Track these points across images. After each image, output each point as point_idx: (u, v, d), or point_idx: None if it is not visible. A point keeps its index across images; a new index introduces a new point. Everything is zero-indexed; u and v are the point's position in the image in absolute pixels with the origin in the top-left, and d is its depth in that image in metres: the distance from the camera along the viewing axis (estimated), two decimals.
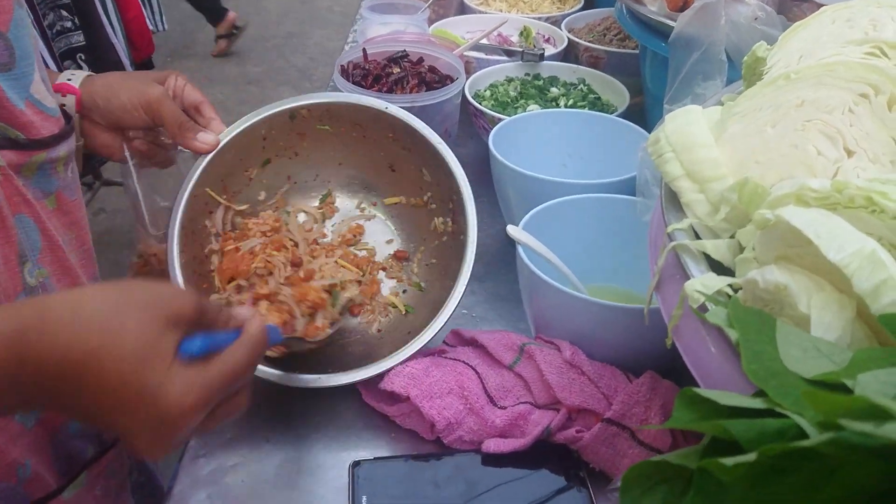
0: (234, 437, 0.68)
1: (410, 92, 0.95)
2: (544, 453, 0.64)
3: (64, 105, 0.75)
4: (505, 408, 0.65)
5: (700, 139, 0.48)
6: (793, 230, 0.37)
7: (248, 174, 0.82)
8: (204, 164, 0.76)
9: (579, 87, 1.14)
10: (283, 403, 0.71)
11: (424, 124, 0.80)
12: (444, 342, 0.75)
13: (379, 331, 0.79)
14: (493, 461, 0.64)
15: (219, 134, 0.77)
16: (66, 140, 0.69)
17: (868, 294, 0.34)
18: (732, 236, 0.47)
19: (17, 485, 0.65)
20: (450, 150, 0.79)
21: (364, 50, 1.01)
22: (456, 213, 0.79)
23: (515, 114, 1.07)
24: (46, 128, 0.65)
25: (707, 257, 0.45)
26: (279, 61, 3.96)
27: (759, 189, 0.44)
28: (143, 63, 2.33)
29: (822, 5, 0.70)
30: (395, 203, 0.86)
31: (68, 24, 1.75)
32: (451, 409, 0.65)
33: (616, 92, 1.11)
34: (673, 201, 0.49)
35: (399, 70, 0.99)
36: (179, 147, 0.77)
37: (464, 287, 0.72)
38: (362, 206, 0.87)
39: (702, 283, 0.42)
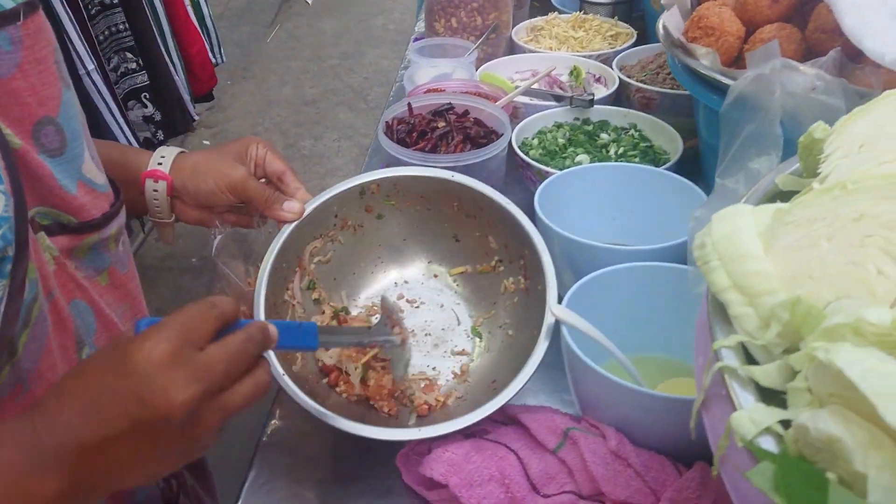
0: None
1: (455, 149, 0.94)
2: None
3: (155, 191, 0.79)
4: (548, 496, 0.63)
5: (749, 249, 0.45)
6: (839, 373, 0.34)
7: (314, 252, 0.84)
8: (285, 235, 0.77)
9: (630, 133, 1.11)
10: (321, 483, 0.70)
11: (491, 188, 0.81)
12: (488, 417, 0.73)
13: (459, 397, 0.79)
14: None
15: (304, 202, 0.79)
16: (117, 217, 0.70)
17: None
18: (786, 350, 0.44)
19: None
20: (519, 210, 0.80)
21: (409, 104, 1.01)
22: (528, 269, 0.80)
23: (564, 163, 1.05)
24: (98, 206, 0.66)
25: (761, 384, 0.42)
26: (335, 82, 4.01)
27: (812, 310, 0.41)
28: (205, 95, 2.40)
29: (882, 67, 0.67)
30: (461, 273, 0.87)
31: (132, 66, 1.82)
32: (492, 499, 0.63)
33: (669, 138, 1.07)
34: (720, 311, 0.47)
35: (444, 124, 0.98)
36: (259, 223, 0.81)
37: (546, 343, 0.71)
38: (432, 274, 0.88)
39: (750, 417, 0.39)
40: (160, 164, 0.79)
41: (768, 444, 0.38)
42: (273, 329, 0.57)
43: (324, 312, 0.82)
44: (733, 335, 0.45)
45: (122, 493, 0.69)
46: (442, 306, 0.85)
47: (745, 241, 0.45)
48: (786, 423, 0.39)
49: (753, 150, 0.64)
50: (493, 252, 0.84)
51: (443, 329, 0.83)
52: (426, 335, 0.83)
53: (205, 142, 3.51)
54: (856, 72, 0.69)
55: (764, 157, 0.64)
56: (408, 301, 0.86)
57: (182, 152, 0.81)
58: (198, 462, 0.87)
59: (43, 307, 0.58)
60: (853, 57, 0.72)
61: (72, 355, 0.62)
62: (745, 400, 0.41)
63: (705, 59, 0.85)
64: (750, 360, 0.45)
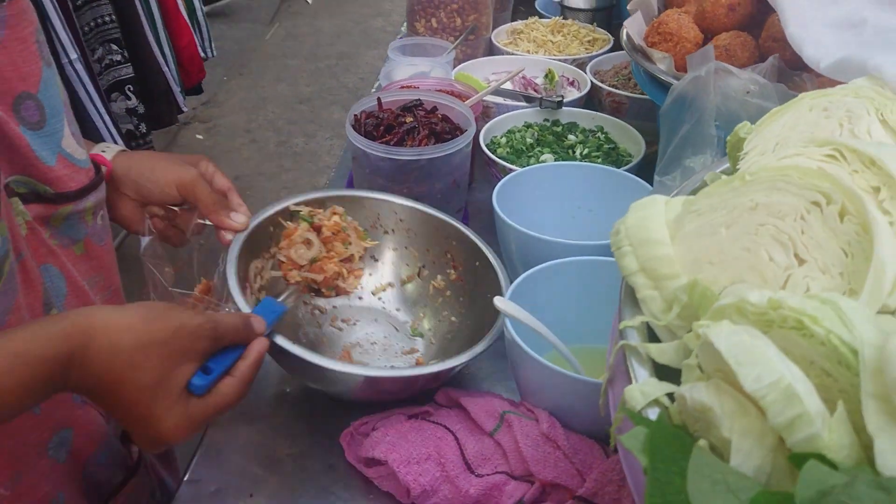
0: (218, 489, 0.70)
1: (420, 144, 0.96)
2: None
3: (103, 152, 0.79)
4: (482, 476, 0.66)
5: (657, 235, 0.48)
6: (717, 352, 0.36)
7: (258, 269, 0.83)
8: (238, 248, 0.76)
9: (597, 135, 1.13)
10: (269, 459, 0.72)
11: (409, 199, 0.87)
12: (433, 400, 0.75)
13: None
14: None
15: (248, 218, 0.79)
16: (95, 191, 0.73)
17: (782, 428, 0.34)
18: (689, 332, 0.47)
19: None
20: (437, 210, 0.84)
21: (379, 99, 1.03)
22: (455, 259, 0.84)
23: (529, 162, 1.07)
24: (77, 180, 0.70)
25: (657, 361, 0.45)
26: (331, 81, 4.04)
27: (707, 292, 0.43)
28: (194, 88, 2.42)
29: (821, 76, 0.69)
30: (385, 289, 0.90)
31: (117, 58, 1.83)
32: (428, 476, 0.65)
33: (633, 140, 1.10)
34: (630, 296, 0.49)
35: (412, 119, 1.00)
36: (194, 231, 0.80)
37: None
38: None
39: (640, 389, 0.42)
40: (103, 151, 0.80)
41: (654, 414, 0.41)
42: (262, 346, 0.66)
43: None
44: (638, 316, 0.47)
45: (84, 455, 0.72)
46: (376, 320, 0.88)
47: (653, 228, 0.48)
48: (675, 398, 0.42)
49: (690, 149, 0.67)
50: (415, 259, 0.89)
51: (385, 336, 0.87)
52: (372, 344, 0.86)
53: (198, 136, 3.54)
54: (794, 78, 0.72)
55: (699, 156, 0.66)
56: (342, 321, 0.88)
57: (124, 150, 0.82)
58: None
59: (12, 265, 0.61)
60: (795, 65, 0.75)
61: (39, 315, 0.66)
62: (641, 375, 0.44)
63: (661, 64, 0.88)
64: (657, 341, 0.47)
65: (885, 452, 0.32)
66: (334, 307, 0.89)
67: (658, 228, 0.48)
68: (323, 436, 0.74)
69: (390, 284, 0.90)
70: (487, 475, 0.65)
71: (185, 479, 0.71)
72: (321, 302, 0.88)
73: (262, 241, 0.82)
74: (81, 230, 0.72)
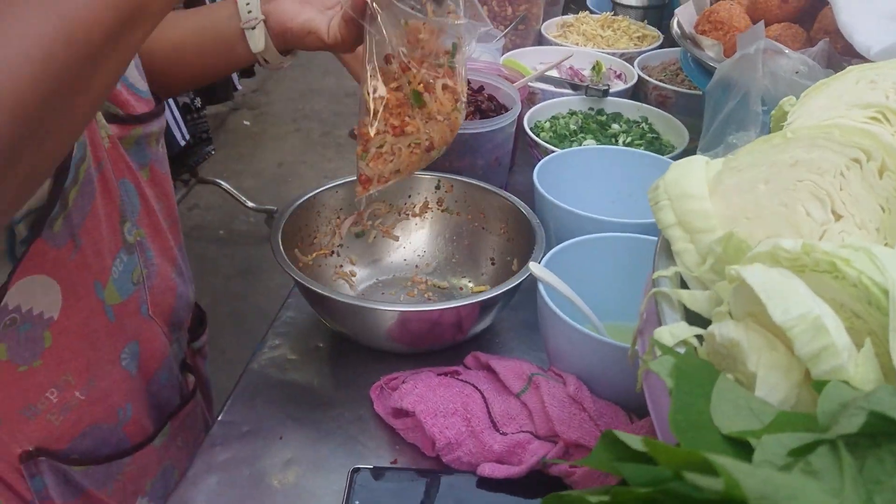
0: (250, 430, 0.72)
1: (465, 119, 0.98)
2: (538, 484, 0.65)
3: None
4: (506, 434, 0.67)
5: (695, 190, 0.48)
6: (749, 288, 0.37)
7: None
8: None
9: (641, 126, 1.14)
10: (300, 405, 0.75)
11: (528, 207, 0.89)
12: (462, 364, 0.77)
13: None
14: (487, 485, 0.65)
15: None
16: (158, 118, 0.78)
17: (808, 359, 0.34)
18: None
19: (116, 425, 0.73)
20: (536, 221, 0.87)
21: None
22: (531, 247, 0.85)
23: (571, 147, 1.08)
24: (140, 107, 0.74)
25: (688, 308, 0.46)
26: None
27: (742, 244, 0.44)
28: (246, 70, 2.48)
29: (869, 61, 0.69)
30: (482, 290, 0.92)
31: None
32: (453, 430, 0.67)
33: (677, 132, 1.10)
34: (666, 249, 0.50)
35: None
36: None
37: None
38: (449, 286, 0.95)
39: (670, 331, 0.43)
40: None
41: (682, 351, 0.42)
42: None
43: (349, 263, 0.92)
44: (672, 266, 0.48)
45: (149, 372, 0.76)
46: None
47: (692, 183, 0.49)
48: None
49: (734, 125, 0.67)
50: (512, 274, 0.90)
51: None
52: None
53: (245, 122, 3.61)
54: (843, 64, 0.72)
55: (742, 133, 0.67)
56: (424, 293, 0.93)
57: None
58: (202, 379, 0.93)
59: (91, 172, 0.65)
60: (844, 53, 0.75)
61: (115, 225, 0.70)
62: (672, 319, 0.45)
63: (711, 51, 0.89)
64: None
65: None
66: (435, 286, 0.94)
67: (697, 183, 0.49)
68: (353, 389, 0.76)
69: (486, 289, 0.92)
70: (512, 433, 0.67)
71: (219, 419, 0.73)
72: (424, 270, 0.95)
73: (397, 193, 0.93)
74: (147, 155, 0.76)
